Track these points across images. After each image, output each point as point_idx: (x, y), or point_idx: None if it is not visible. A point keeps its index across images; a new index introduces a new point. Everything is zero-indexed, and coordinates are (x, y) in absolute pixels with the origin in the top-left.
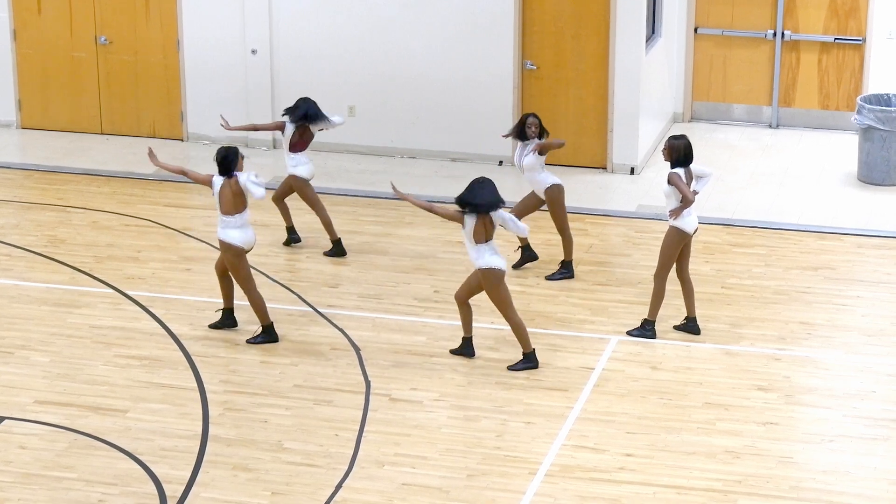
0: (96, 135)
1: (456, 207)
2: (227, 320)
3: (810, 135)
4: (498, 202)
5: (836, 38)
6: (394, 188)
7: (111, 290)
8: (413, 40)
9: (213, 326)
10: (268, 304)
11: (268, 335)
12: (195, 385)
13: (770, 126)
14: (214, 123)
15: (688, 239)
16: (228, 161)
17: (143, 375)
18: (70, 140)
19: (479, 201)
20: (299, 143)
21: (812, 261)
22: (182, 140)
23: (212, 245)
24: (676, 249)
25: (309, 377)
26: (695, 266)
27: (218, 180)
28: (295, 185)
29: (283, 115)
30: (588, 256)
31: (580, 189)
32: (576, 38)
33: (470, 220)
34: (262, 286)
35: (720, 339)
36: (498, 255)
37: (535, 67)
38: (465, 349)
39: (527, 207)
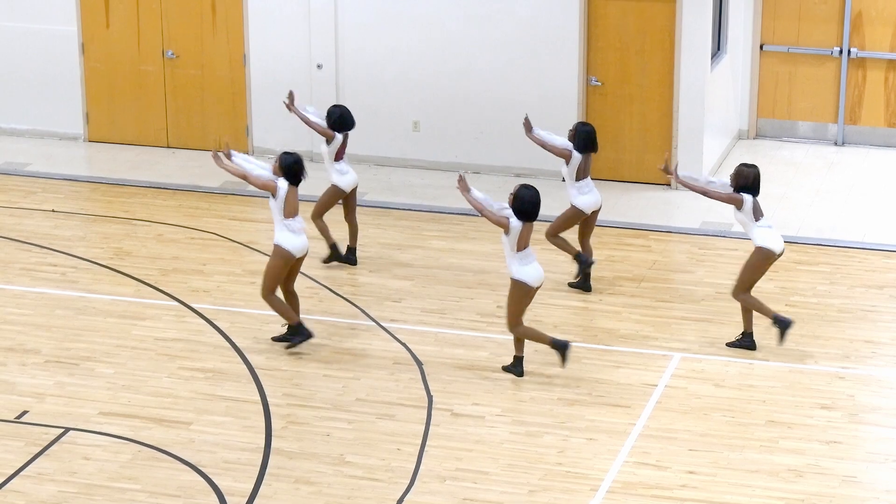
0: (162, 148)
1: (505, 214)
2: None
3: (876, 152)
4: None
5: None
6: (461, 178)
7: (176, 303)
8: (477, 55)
9: (277, 339)
10: (331, 318)
11: (297, 334)
12: (258, 398)
13: (835, 143)
14: (279, 137)
15: (774, 259)
16: (296, 170)
17: (207, 388)
18: (136, 153)
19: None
20: (341, 150)
21: (877, 279)
22: (247, 154)
23: None
24: (761, 272)
25: (371, 391)
26: (759, 283)
27: (283, 183)
28: (338, 194)
29: (332, 125)
30: (651, 273)
31: (643, 205)
32: (640, 53)
33: (517, 226)
34: (326, 300)
35: (784, 357)
36: (532, 266)
37: (599, 83)
38: (515, 367)
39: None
